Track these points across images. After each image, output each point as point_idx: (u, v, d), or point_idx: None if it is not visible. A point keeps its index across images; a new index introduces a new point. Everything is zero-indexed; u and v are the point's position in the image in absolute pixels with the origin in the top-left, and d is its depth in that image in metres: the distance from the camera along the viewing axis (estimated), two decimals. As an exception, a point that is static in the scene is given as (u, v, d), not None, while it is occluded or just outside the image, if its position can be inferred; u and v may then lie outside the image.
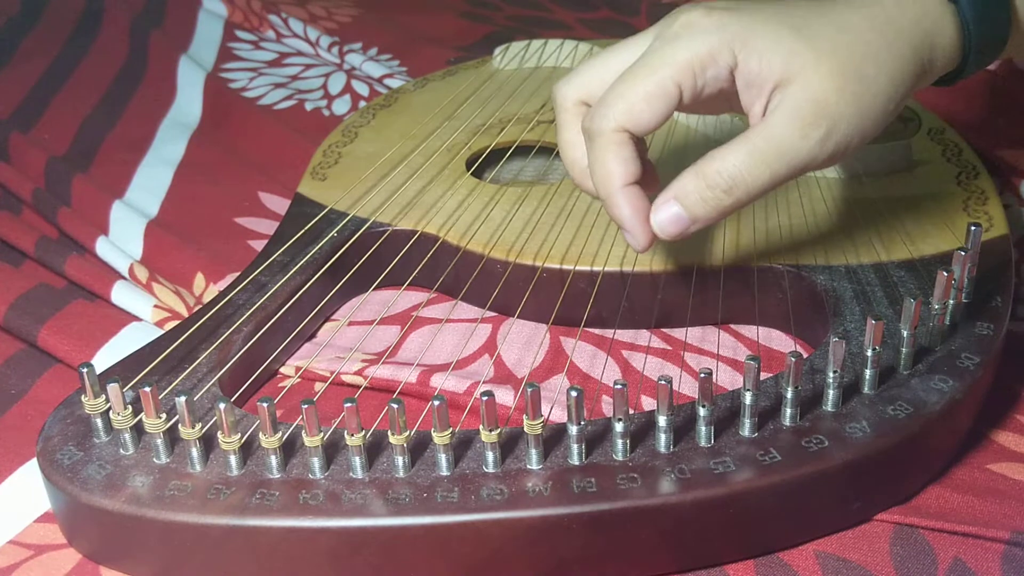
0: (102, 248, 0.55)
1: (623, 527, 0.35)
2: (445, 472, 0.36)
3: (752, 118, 0.38)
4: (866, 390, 0.39)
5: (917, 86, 0.39)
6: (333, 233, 0.50)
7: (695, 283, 0.46)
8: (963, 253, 0.41)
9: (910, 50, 0.38)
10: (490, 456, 0.36)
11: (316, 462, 0.36)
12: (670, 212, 0.38)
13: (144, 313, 0.50)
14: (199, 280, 0.53)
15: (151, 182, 0.63)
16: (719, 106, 0.40)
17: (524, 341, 0.48)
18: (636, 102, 0.37)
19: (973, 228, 0.42)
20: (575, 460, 0.36)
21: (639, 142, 0.39)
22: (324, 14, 0.87)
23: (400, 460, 0.36)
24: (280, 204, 0.61)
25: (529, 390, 0.35)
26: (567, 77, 0.41)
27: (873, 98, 0.37)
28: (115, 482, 0.36)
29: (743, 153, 0.36)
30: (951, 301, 0.41)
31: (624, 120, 0.37)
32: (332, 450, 0.37)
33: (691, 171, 0.37)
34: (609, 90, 0.38)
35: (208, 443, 0.37)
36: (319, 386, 0.46)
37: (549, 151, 0.58)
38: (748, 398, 0.36)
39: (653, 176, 0.41)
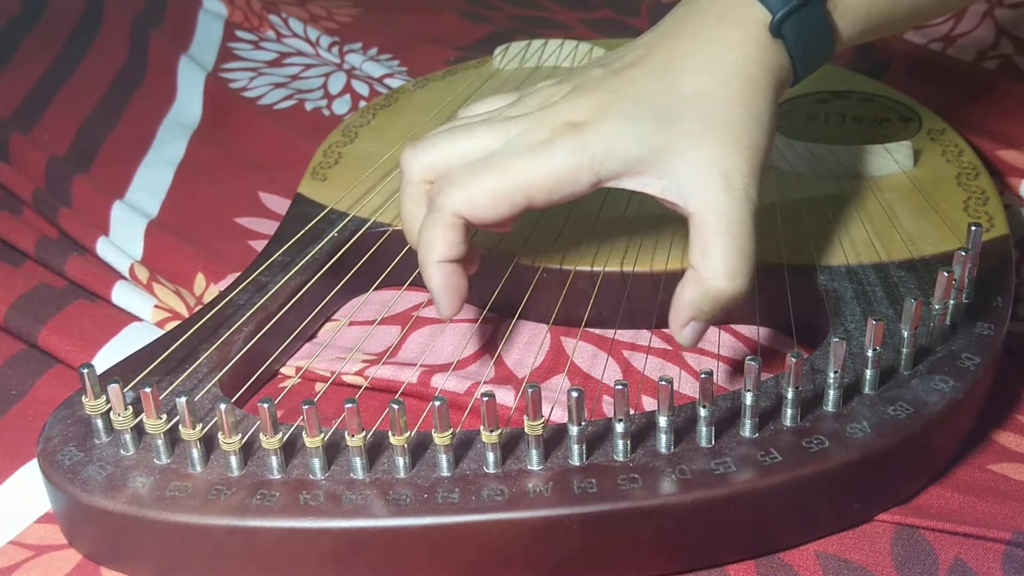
0: (102, 248, 0.55)
1: (624, 528, 0.35)
2: (446, 473, 0.36)
3: (685, 210, 0.38)
4: (867, 390, 0.39)
5: (777, 109, 0.40)
6: (334, 233, 0.50)
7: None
8: (964, 253, 0.41)
9: (766, 88, 0.39)
10: (491, 457, 0.36)
11: (317, 463, 0.36)
12: (692, 329, 0.39)
13: (145, 313, 0.50)
14: (199, 280, 0.53)
15: (151, 182, 0.63)
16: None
17: (525, 341, 0.48)
18: (481, 198, 0.38)
19: (974, 228, 0.42)
20: (576, 460, 0.36)
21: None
22: (324, 14, 0.87)
23: (401, 461, 0.36)
24: (280, 204, 0.61)
25: (530, 390, 0.35)
26: (418, 148, 0.41)
27: (765, 142, 0.38)
28: (116, 483, 0.36)
29: (723, 251, 0.37)
30: (952, 301, 0.41)
31: (463, 210, 0.38)
32: (333, 451, 0.37)
33: (694, 288, 0.38)
34: (462, 172, 0.38)
35: (209, 444, 0.37)
36: (320, 386, 0.46)
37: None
38: (749, 398, 0.36)
39: (473, 257, 0.42)
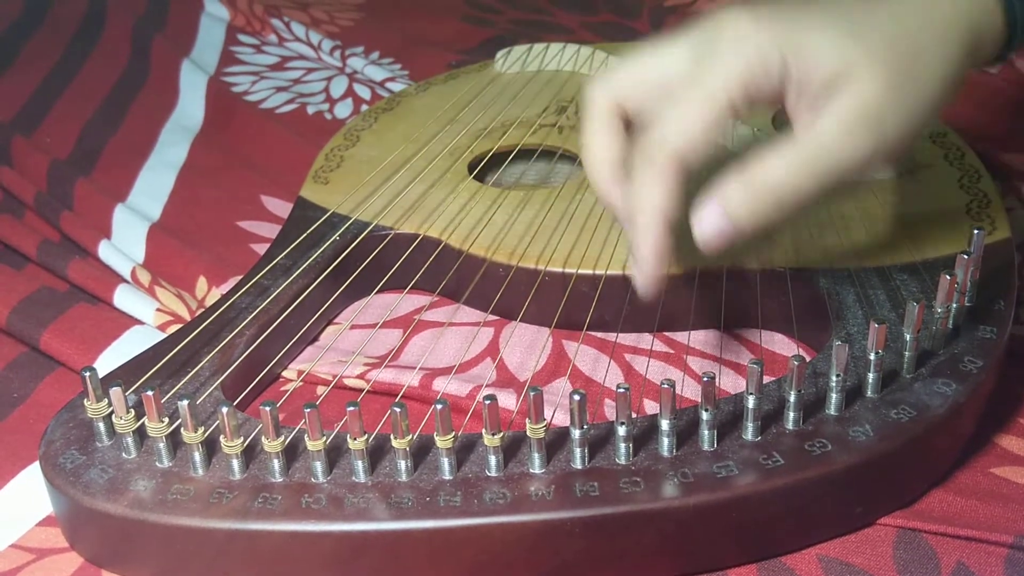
0: (104, 252, 0.55)
1: (626, 531, 0.35)
2: (448, 476, 0.36)
3: (799, 124, 0.36)
4: (869, 394, 0.39)
5: (965, 73, 0.38)
6: (335, 237, 0.50)
7: (697, 286, 0.46)
8: (966, 256, 0.41)
9: (960, 42, 0.37)
10: (493, 460, 0.36)
11: (319, 466, 0.36)
12: (714, 222, 0.36)
13: (146, 317, 0.50)
14: (201, 284, 0.53)
15: (153, 186, 0.63)
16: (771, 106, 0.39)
17: (526, 345, 0.48)
18: (696, 133, 0.35)
19: (976, 231, 0.42)
20: (578, 464, 0.36)
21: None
22: (326, 18, 0.87)
23: (403, 464, 0.36)
24: (282, 208, 0.61)
25: (532, 394, 0.35)
26: (602, 77, 0.39)
27: (924, 97, 0.36)
28: (117, 486, 0.36)
29: (791, 160, 0.35)
30: (954, 304, 0.41)
31: (684, 149, 0.35)
32: (335, 454, 0.37)
33: (736, 178, 0.36)
34: (666, 113, 0.36)
35: (211, 447, 0.37)
36: (321, 390, 0.46)
37: (551, 155, 0.58)
38: (751, 402, 0.36)
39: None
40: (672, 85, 0.37)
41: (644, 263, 0.37)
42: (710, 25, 0.37)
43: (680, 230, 0.37)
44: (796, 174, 0.35)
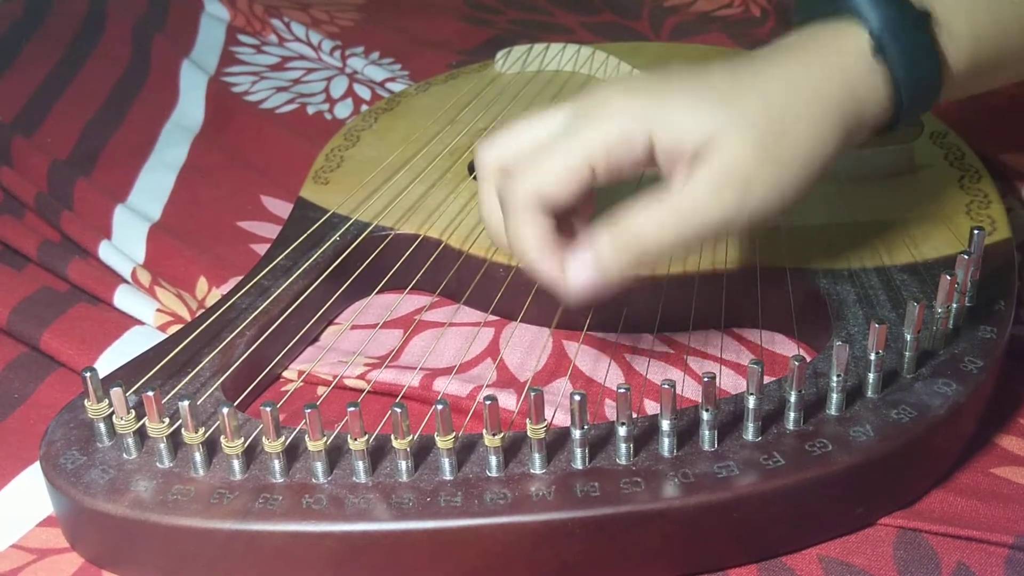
0: (105, 252, 0.55)
1: (626, 531, 0.35)
2: (448, 476, 0.36)
3: (672, 183, 0.38)
4: (869, 394, 0.39)
5: (843, 147, 0.39)
6: (336, 237, 0.50)
7: (698, 287, 0.46)
8: (966, 257, 0.41)
9: (834, 114, 0.38)
10: (493, 460, 0.36)
11: (319, 466, 0.36)
12: (586, 276, 0.38)
13: (147, 317, 0.50)
14: (202, 284, 0.53)
15: (153, 186, 0.63)
16: (636, 172, 0.40)
17: (527, 345, 0.48)
18: (548, 179, 0.37)
19: (976, 232, 0.42)
20: (578, 464, 0.36)
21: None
22: (326, 18, 0.87)
23: (403, 464, 0.36)
24: (283, 208, 0.61)
25: (532, 394, 0.35)
26: (489, 142, 0.40)
27: (793, 164, 0.37)
28: (118, 486, 0.36)
29: (659, 217, 0.36)
30: (954, 305, 0.41)
31: (533, 195, 0.37)
32: (335, 454, 0.37)
33: (606, 229, 0.37)
34: (523, 163, 0.38)
35: (211, 447, 0.37)
36: (322, 390, 0.46)
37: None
38: (751, 402, 0.36)
39: (590, 203, 0.41)
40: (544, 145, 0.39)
41: (556, 288, 0.39)
42: (588, 98, 0.38)
43: None
44: (662, 230, 0.37)
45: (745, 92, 0.37)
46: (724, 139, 0.36)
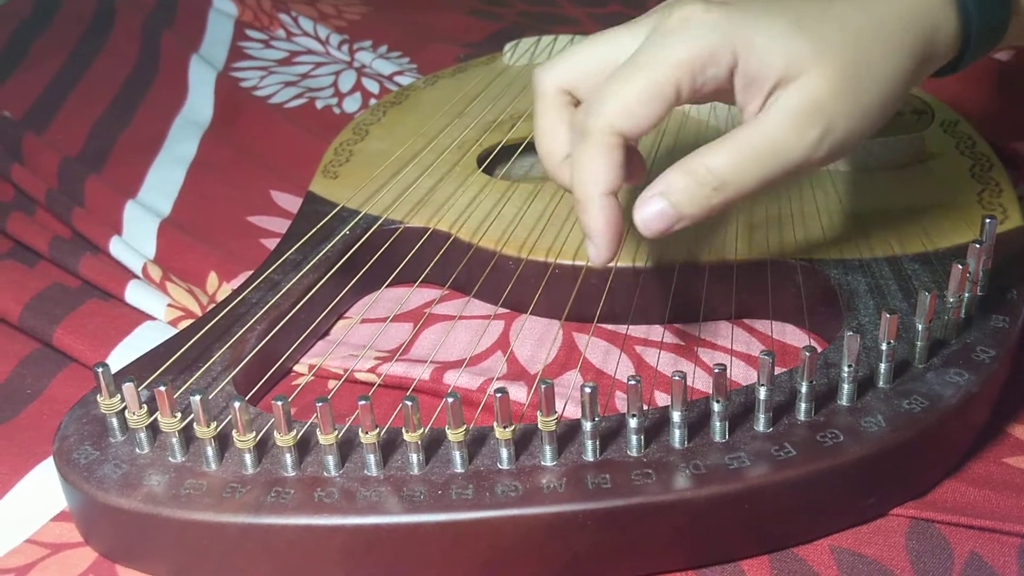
0: (116, 248, 0.55)
1: (637, 523, 0.35)
2: (459, 469, 0.36)
3: (746, 115, 0.37)
4: (881, 384, 0.38)
5: (916, 80, 0.38)
6: (345, 231, 0.50)
7: (708, 278, 0.46)
8: (978, 246, 0.41)
9: (911, 45, 0.37)
10: (504, 453, 0.36)
11: (331, 460, 0.36)
12: (655, 208, 0.36)
13: (158, 312, 0.50)
14: (212, 279, 0.53)
15: (163, 182, 0.63)
16: (711, 99, 0.39)
17: (537, 337, 0.48)
18: (632, 103, 0.35)
19: (988, 221, 0.41)
20: (589, 456, 0.36)
21: (630, 147, 0.37)
22: (334, 12, 0.87)
23: (414, 457, 0.36)
24: (292, 202, 0.61)
25: (543, 386, 0.35)
26: (549, 62, 0.39)
27: (871, 97, 0.36)
28: (131, 481, 0.36)
29: (735, 150, 0.35)
30: (966, 294, 0.41)
31: (619, 121, 0.35)
32: (346, 448, 0.37)
33: (679, 166, 0.36)
34: (603, 88, 0.36)
35: (223, 442, 0.37)
36: (333, 384, 0.46)
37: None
38: (762, 393, 0.36)
39: (640, 167, 0.40)
40: (613, 65, 0.37)
41: (594, 238, 0.37)
42: (662, 12, 0.37)
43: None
44: (740, 163, 0.35)
45: (826, 16, 0.36)
46: (808, 69, 0.35)
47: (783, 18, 0.36)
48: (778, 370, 0.39)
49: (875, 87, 0.36)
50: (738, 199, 0.36)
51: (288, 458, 0.36)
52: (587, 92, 0.38)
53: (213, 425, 0.36)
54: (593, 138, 0.36)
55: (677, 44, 0.35)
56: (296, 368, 0.47)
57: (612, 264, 0.46)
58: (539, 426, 0.35)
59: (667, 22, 0.36)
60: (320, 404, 0.35)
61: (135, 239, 0.56)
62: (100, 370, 0.37)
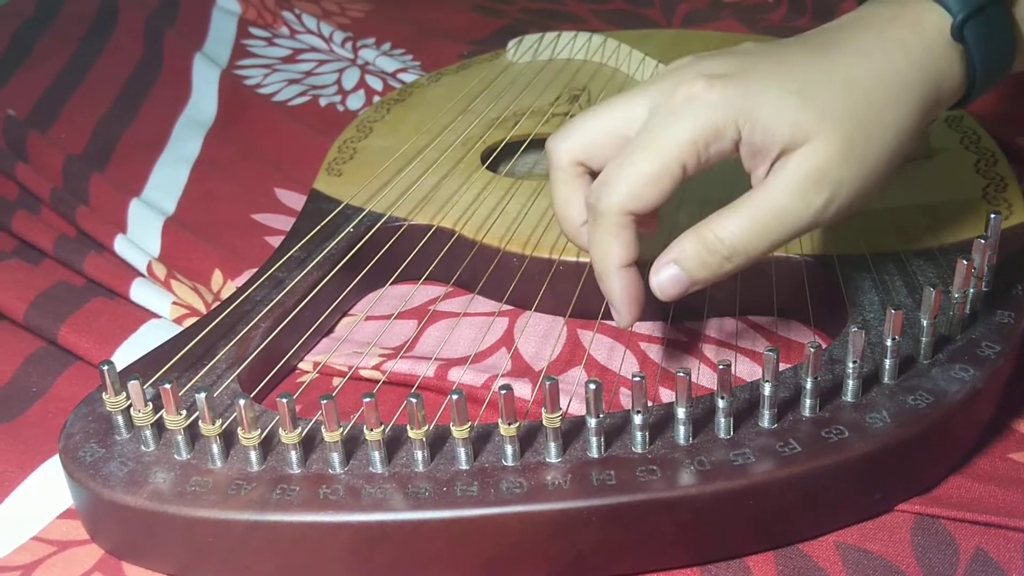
0: (120, 246, 0.55)
1: (643, 520, 0.35)
2: (464, 466, 0.36)
3: (754, 179, 0.38)
4: (886, 380, 0.38)
5: (921, 129, 0.38)
6: (349, 228, 0.50)
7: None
8: (983, 241, 0.41)
9: (917, 99, 0.37)
10: (509, 449, 0.36)
11: (336, 457, 0.36)
12: (669, 274, 0.37)
13: (163, 310, 0.50)
14: (217, 277, 0.53)
15: (168, 180, 0.63)
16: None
17: (541, 334, 0.48)
18: (641, 185, 0.36)
19: (993, 216, 0.41)
20: (594, 453, 0.36)
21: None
22: (337, 10, 0.87)
23: (419, 454, 0.36)
24: (296, 200, 0.61)
25: (547, 383, 0.35)
26: (561, 133, 0.40)
27: (877, 159, 0.37)
28: (136, 478, 0.36)
29: (743, 219, 0.36)
30: (971, 289, 0.41)
31: (628, 204, 0.37)
32: (351, 445, 0.37)
33: (691, 234, 0.37)
34: (612, 171, 0.37)
35: (228, 439, 0.37)
36: (337, 381, 0.46)
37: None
38: (767, 389, 0.36)
39: (652, 219, 0.41)
40: (620, 135, 0.38)
41: (615, 305, 0.39)
42: (666, 85, 0.37)
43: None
44: (748, 232, 0.36)
45: (829, 80, 0.36)
46: (812, 136, 0.36)
47: (787, 87, 0.36)
48: (783, 366, 0.39)
49: (881, 146, 0.37)
50: (748, 264, 0.37)
51: (293, 455, 0.36)
52: (599, 163, 0.39)
53: (218, 422, 0.36)
54: (605, 220, 0.37)
55: (681, 124, 0.36)
56: (301, 365, 0.47)
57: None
58: (544, 423, 0.36)
59: (671, 100, 0.37)
60: (325, 401, 0.35)
61: (140, 237, 0.56)
62: (105, 368, 0.37)
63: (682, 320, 0.48)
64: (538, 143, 0.58)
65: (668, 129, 0.36)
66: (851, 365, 0.37)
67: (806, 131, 0.36)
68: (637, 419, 0.36)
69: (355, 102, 0.73)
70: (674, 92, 0.37)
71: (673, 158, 0.36)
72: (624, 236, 0.38)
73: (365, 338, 0.48)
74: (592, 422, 0.36)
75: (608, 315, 0.47)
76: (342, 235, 0.49)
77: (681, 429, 0.36)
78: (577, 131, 0.39)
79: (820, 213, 0.36)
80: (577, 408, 0.42)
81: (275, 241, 0.56)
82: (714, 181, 0.43)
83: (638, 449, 0.36)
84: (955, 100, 0.40)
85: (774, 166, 0.36)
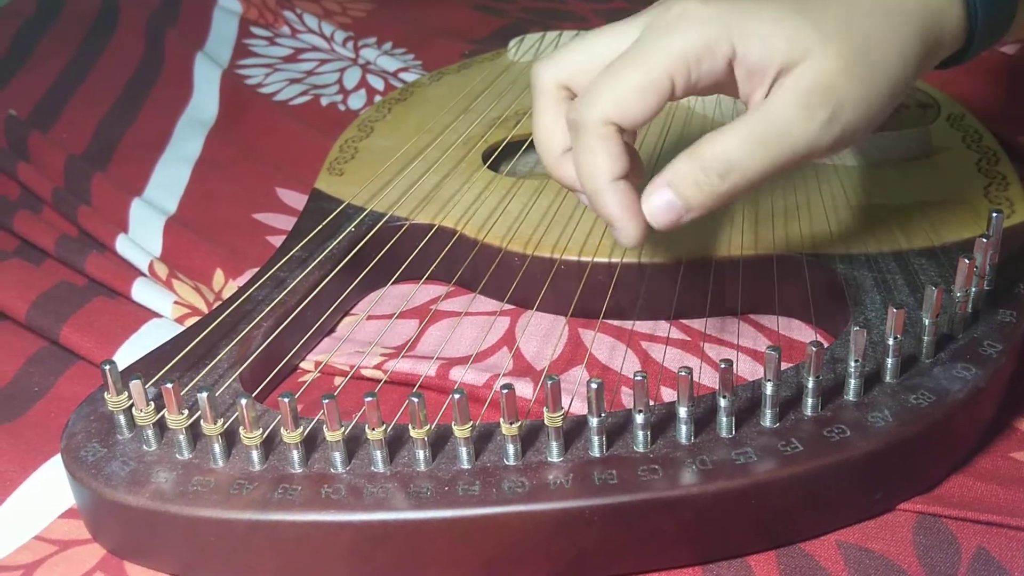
0: (122, 246, 0.55)
1: (644, 519, 0.35)
2: (466, 465, 0.36)
3: (752, 104, 0.36)
4: (888, 379, 0.38)
5: (923, 69, 0.37)
6: (351, 228, 0.50)
7: (714, 273, 0.46)
8: (985, 240, 0.41)
9: (917, 32, 0.36)
10: (511, 449, 0.36)
11: (337, 456, 0.36)
12: (663, 199, 0.35)
13: (164, 310, 0.50)
14: (218, 276, 0.53)
15: (169, 180, 0.63)
16: (711, 92, 0.38)
17: (543, 333, 0.48)
18: (626, 95, 0.35)
19: (995, 215, 0.41)
20: (596, 452, 0.36)
21: (628, 135, 0.37)
22: (338, 9, 0.87)
23: (421, 454, 0.36)
24: (298, 200, 0.61)
25: (549, 382, 0.35)
26: (547, 58, 0.38)
27: (880, 82, 0.35)
28: (138, 478, 0.36)
29: (741, 136, 0.34)
30: (973, 288, 0.41)
31: (612, 113, 0.35)
32: (353, 444, 0.37)
33: (685, 155, 0.35)
34: (597, 80, 0.36)
35: (230, 438, 0.37)
36: (339, 381, 0.46)
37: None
38: (769, 388, 0.36)
39: (639, 166, 0.40)
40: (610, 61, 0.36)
41: (616, 223, 0.36)
42: (660, 8, 0.36)
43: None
44: (746, 148, 0.34)
45: (835, 6, 0.35)
46: (814, 50, 0.34)
47: (784, 5, 0.35)
48: (784, 365, 0.39)
49: (883, 70, 0.35)
50: (746, 187, 0.35)
51: (295, 455, 0.36)
52: (585, 88, 0.37)
53: (220, 422, 0.36)
54: (588, 130, 0.35)
55: (672, 37, 0.35)
56: (302, 365, 0.47)
57: (618, 260, 0.46)
58: (545, 422, 0.36)
59: (664, 17, 0.35)
60: (327, 400, 0.35)
61: (141, 237, 0.56)
62: (107, 368, 0.37)
63: (683, 319, 0.48)
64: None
65: (658, 42, 0.35)
66: (853, 364, 0.37)
67: (806, 46, 0.34)
68: (639, 418, 0.36)
69: (356, 101, 0.73)
70: (668, 10, 0.35)
71: (662, 69, 0.34)
72: (610, 148, 0.35)
73: (367, 338, 0.48)
74: (594, 421, 0.36)
75: (610, 314, 0.48)
76: (343, 235, 0.49)
77: (683, 428, 0.36)
78: (564, 54, 0.38)
79: (822, 131, 0.34)
80: (579, 407, 0.42)
81: (276, 241, 0.56)
82: None
83: (640, 448, 0.36)
84: (955, 47, 0.38)
85: (773, 86, 0.35)
